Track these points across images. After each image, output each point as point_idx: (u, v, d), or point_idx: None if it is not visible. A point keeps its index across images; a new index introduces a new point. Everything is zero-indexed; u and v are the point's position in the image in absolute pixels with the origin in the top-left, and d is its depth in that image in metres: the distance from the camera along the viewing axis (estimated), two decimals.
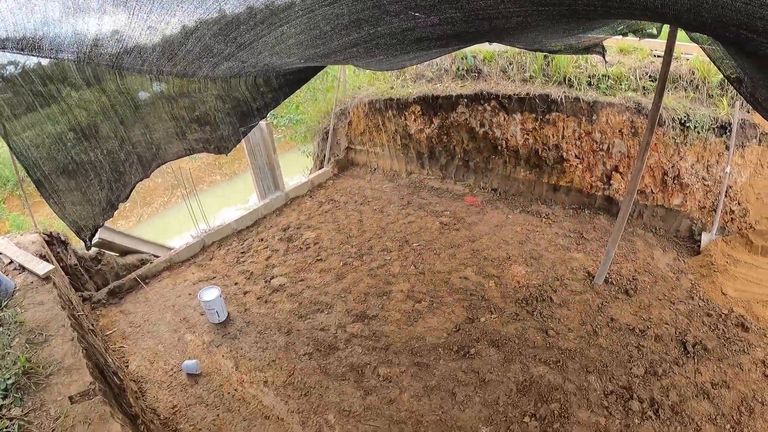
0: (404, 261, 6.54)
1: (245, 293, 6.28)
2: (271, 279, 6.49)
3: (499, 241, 6.85)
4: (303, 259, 6.81)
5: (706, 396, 4.90)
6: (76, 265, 6.15)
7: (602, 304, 5.83)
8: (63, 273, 5.67)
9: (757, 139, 6.84)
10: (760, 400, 4.98)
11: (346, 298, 6.02)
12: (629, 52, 7.76)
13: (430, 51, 4.49)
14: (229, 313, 5.89)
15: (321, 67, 5.33)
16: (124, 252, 6.95)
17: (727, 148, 6.70)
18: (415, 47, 3.97)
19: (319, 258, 6.82)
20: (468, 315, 5.59)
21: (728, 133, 6.67)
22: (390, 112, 8.58)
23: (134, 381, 5.06)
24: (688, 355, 5.32)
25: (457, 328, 5.43)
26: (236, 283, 6.50)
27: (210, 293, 5.65)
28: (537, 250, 6.72)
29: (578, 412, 4.55)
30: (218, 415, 4.67)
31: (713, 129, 6.85)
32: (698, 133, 6.84)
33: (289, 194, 8.53)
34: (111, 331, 5.75)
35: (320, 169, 9.65)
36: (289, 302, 6.02)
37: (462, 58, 8.37)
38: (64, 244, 6.05)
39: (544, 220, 7.46)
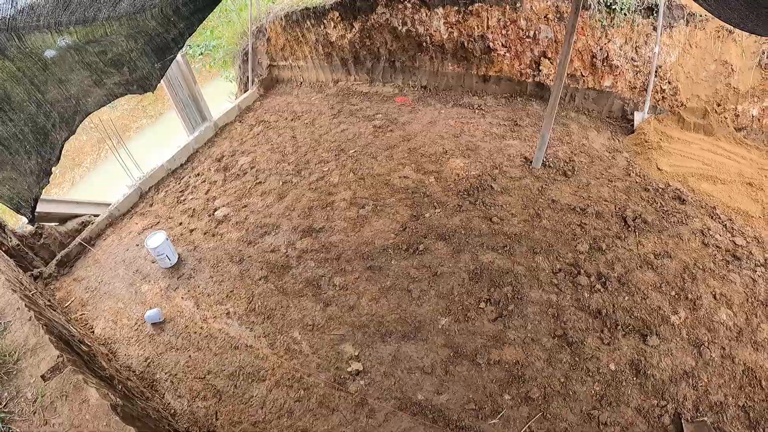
0: (342, 169, 6.61)
1: (191, 231, 6.30)
2: (214, 212, 6.49)
3: (435, 137, 6.96)
4: (242, 186, 6.82)
5: (649, 266, 5.32)
6: (18, 245, 5.94)
7: (542, 187, 6.09)
8: (7, 256, 5.55)
9: (685, 19, 7.09)
10: (701, 267, 5.44)
11: (290, 216, 6.09)
12: None
13: None
14: (179, 255, 5.91)
15: None
16: (64, 219, 6.72)
17: (655, 29, 6.96)
18: None
19: (258, 181, 6.83)
20: (412, 213, 5.76)
21: (655, 15, 6.93)
22: (308, 22, 8.42)
23: (103, 345, 5.10)
24: (629, 229, 5.69)
25: (404, 227, 5.60)
26: (180, 223, 6.49)
27: (156, 239, 5.64)
28: (473, 141, 6.86)
29: (530, 292, 4.88)
30: (190, 356, 4.80)
31: (640, 11, 7.07)
32: (625, 15, 7.04)
33: (218, 123, 8.36)
34: (69, 302, 5.72)
35: (245, 92, 9.50)
36: (236, 231, 6.08)
37: None
38: (1, 227, 5.93)
39: (477, 111, 7.59)
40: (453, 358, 4.44)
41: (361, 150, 6.86)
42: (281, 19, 8.71)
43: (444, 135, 6.93)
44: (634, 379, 4.41)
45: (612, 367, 4.44)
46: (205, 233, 6.23)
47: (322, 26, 8.41)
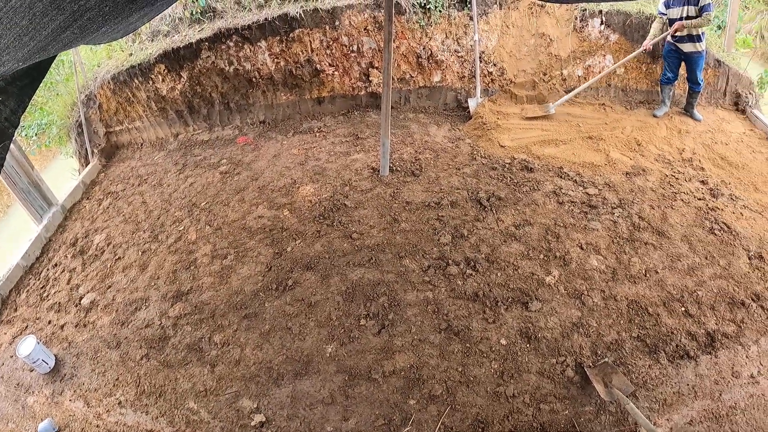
0: (198, 224, 6.64)
1: (62, 327, 6.08)
2: (80, 300, 6.32)
3: (281, 170, 7.13)
4: (102, 266, 6.70)
5: (513, 238, 5.76)
6: None
7: (394, 192, 6.42)
8: None
9: (498, 3, 7.77)
10: (561, 224, 5.97)
11: (156, 285, 6.07)
12: None
13: (155, 4, 4.49)
14: (56, 356, 5.70)
15: (51, 58, 5.15)
16: None
17: (471, 18, 7.56)
18: (134, 6, 3.99)
19: (117, 257, 6.74)
20: (274, 251, 5.89)
21: (469, 6, 7.54)
22: (136, 80, 8.41)
23: None
24: (486, 209, 6.14)
25: (269, 267, 5.72)
26: (50, 322, 6.26)
27: (26, 346, 5.40)
28: (319, 164, 7.10)
29: (405, 296, 5.15)
30: None
31: (454, 5, 7.69)
32: (440, 12, 7.62)
33: (65, 205, 8.07)
34: None
35: (87, 165, 9.25)
36: (106, 315, 5.97)
37: (193, 1, 8.30)
38: None
39: (318, 134, 7.86)
40: (349, 381, 4.60)
41: (212, 200, 6.92)
42: (109, 83, 8.58)
43: (290, 165, 7.13)
44: (528, 345, 4.76)
45: (503, 342, 4.76)
46: (76, 326, 6.05)
47: (151, 82, 8.39)
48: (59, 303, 6.47)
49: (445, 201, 6.27)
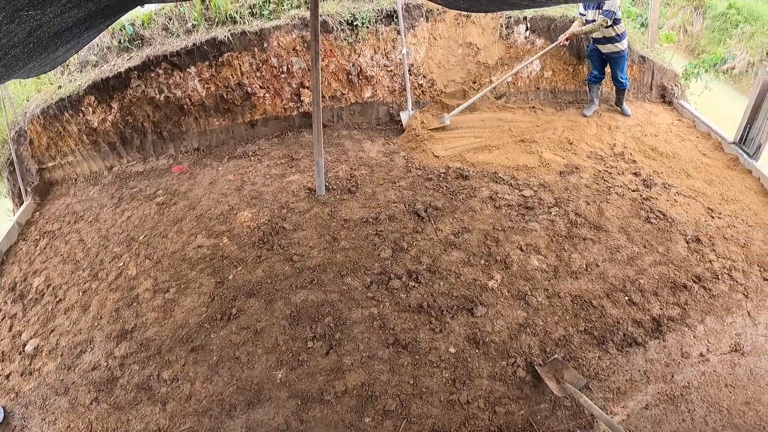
0: (137, 259, 6.60)
1: (7, 377, 5.96)
2: (23, 347, 6.19)
3: (218, 197, 7.14)
4: (44, 310, 6.60)
5: (453, 246, 5.93)
6: None
7: (332, 211, 6.52)
8: None
9: (424, 16, 8.00)
10: (500, 228, 6.18)
11: (100, 325, 6.01)
12: None
13: (81, 36, 4.44)
14: (4, 408, 5.56)
15: None
16: None
17: (399, 32, 7.75)
18: (60, 40, 3.95)
19: (58, 299, 6.65)
20: (216, 280, 5.89)
21: (396, 20, 7.71)
22: (66, 113, 8.32)
23: None
24: (424, 220, 6.31)
25: (212, 297, 5.72)
26: None
27: None
28: (255, 189, 7.13)
29: (350, 314, 5.23)
30: None
31: (381, 20, 7.87)
32: (367, 28, 7.79)
33: (1, 248, 7.97)
34: None
35: (21, 205, 9.03)
36: (52, 360, 5.88)
37: (120, 30, 8.26)
38: None
39: (253, 158, 7.90)
40: (302, 405, 4.65)
41: (150, 233, 6.89)
42: (39, 117, 8.44)
43: (226, 192, 7.15)
44: (477, 351, 4.90)
45: (452, 350, 4.89)
46: (21, 374, 5.94)
47: (81, 114, 8.31)
48: (2, 352, 6.33)
49: (383, 215, 6.40)
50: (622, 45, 7.99)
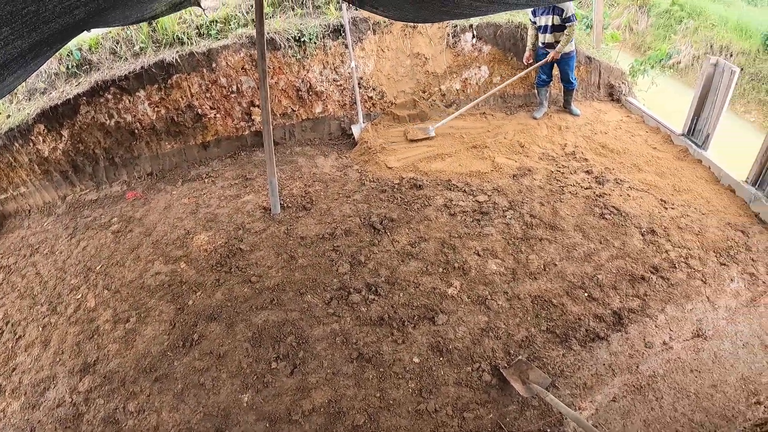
0: (96, 290, 6.53)
1: None
2: None
3: (174, 221, 7.09)
4: (3, 348, 6.48)
5: (410, 257, 6.05)
6: None
7: (288, 229, 6.57)
8: None
9: (371, 29, 8.11)
10: (456, 235, 6.32)
11: (62, 360, 5.92)
12: None
13: (28, 65, 4.26)
14: None
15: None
16: None
17: (347, 46, 7.86)
18: (6, 71, 3.74)
19: (18, 336, 6.54)
20: (176, 306, 5.86)
21: (343, 34, 7.82)
22: (16, 143, 8.20)
23: None
24: (380, 232, 6.41)
25: (173, 324, 5.69)
26: None
27: None
28: (211, 211, 7.11)
29: (312, 332, 5.25)
30: None
31: (329, 35, 7.97)
32: (315, 43, 7.88)
33: None
34: None
35: None
36: (15, 400, 5.76)
37: (68, 55, 8.20)
38: None
39: (207, 180, 7.86)
40: (270, 427, 4.65)
41: (107, 262, 6.83)
42: None
43: (182, 216, 7.12)
44: (441, 359, 4.96)
45: (416, 360, 4.95)
46: None
47: (32, 144, 8.22)
48: None
49: (339, 230, 6.48)
50: (572, 46, 8.28)
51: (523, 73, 8.75)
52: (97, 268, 6.83)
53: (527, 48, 8.65)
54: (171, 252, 6.56)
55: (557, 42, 8.21)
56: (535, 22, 8.31)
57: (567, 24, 7.95)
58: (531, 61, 8.68)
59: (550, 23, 8.08)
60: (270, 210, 6.87)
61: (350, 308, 5.50)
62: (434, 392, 4.70)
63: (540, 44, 8.48)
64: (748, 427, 4.66)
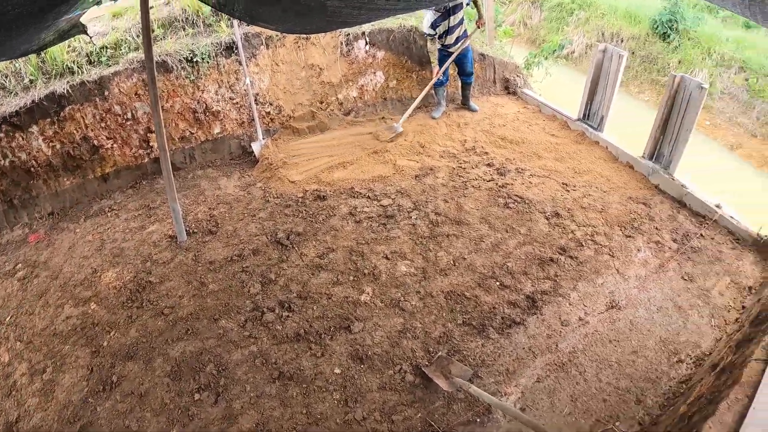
0: (8, 343, 6.20)
1: None
2: None
3: (80, 261, 6.88)
4: None
5: (320, 269, 6.20)
6: None
7: (196, 255, 6.52)
8: None
9: (264, 44, 8.18)
10: (363, 242, 6.59)
11: None
12: (121, 15, 8.36)
13: None
14: None
15: None
16: None
17: (240, 63, 7.87)
18: None
19: None
20: (92, 350, 5.67)
21: (236, 51, 7.82)
22: None
23: None
24: (288, 248, 6.52)
25: (90, 368, 5.48)
26: None
27: None
28: (117, 245, 6.93)
29: (231, 357, 5.22)
30: None
31: (221, 53, 7.99)
32: (208, 62, 7.88)
33: None
34: None
35: None
36: None
37: None
38: None
39: (110, 213, 7.64)
40: None
41: (16, 312, 6.52)
42: None
43: (87, 254, 6.93)
44: (362, 366, 5.05)
45: (337, 371, 5.02)
46: None
47: None
48: None
49: (247, 251, 6.52)
50: (468, 40, 8.76)
51: (435, 78, 9.11)
52: (7, 319, 6.53)
53: (435, 66, 9.10)
54: (80, 293, 6.38)
55: (457, 38, 8.73)
56: (434, 34, 8.66)
57: (467, 5, 8.57)
58: (441, 76, 9.07)
59: (450, 24, 8.52)
60: (176, 238, 6.81)
61: (266, 328, 5.53)
62: (360, 400, 4.77)
63: (443, 46, 8.88)
64: (674, 385, 4.98)
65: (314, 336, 5.41)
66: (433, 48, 8.97)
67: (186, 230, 6.90)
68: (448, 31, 8.61)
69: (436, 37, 8.71)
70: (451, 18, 8.45)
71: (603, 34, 17.33)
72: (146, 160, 8.18)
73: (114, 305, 6.09)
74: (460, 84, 9.66)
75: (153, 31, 7.97)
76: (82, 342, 5.78)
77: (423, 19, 8.69)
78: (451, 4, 8.33)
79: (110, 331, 5.80)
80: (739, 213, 6.87)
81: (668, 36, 16.05)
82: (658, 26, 16.21)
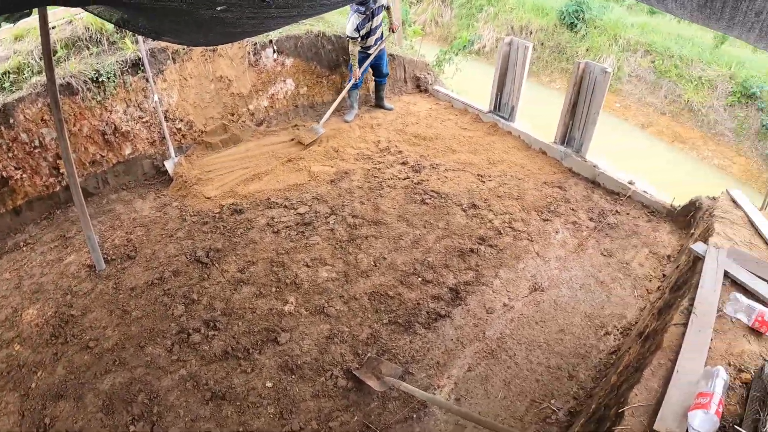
0: None
1: None
2: None
3: None
4: None
5: (242, 283, 6.30)
6: None
7: (116, 283, 6.42)
8: None
9: (171, 59, 8.15)
10: (283, 251, 6.71)
11: None
12: (24, 37, 8.06)
13: None
14: None
15: None
16: None
17: (147, 80, 7.79)
18: None
19: None
20: (20, 394, 5.41)
21: (143, 67, 7.72)
22: None
23: None
24: (208, 265, 6.59)
25: (21, 413, 5.26)
26: None
27: None
28: (35, 281, 6.72)
29: (162, 382, 5.18)
30: None
31: (127, 71, 7.85)
32: (114, 81, 7.75)
33: None
34: None
35: None
36: None
37: None
38: None
39: (25, 248, 7.38)
40: None
41: None
42: None
43: (6, 293, 6.68)
44: (293, 376, 5.12)
45: (269, 384, 5.08)
46: None
47: None
48: None
49: (167, 273, 6.50)
50: (384, 42, 9.22)
51: (355, 80, 9.39)
52: None
53: (355, 68, 9.30)
54: (2, 335, 6.14)
55: (376, 39, 9.17)
56: (357, 37, 8.91)
57: (385, 8, 8.92)
58: (359, 75, 9.34)
59: (373, 26, 8.90)
60: (95, 267, 6.71)
61: (193, 349, 5.54)
62: (295, 411, 4.83)
63: (363, 48, 9.22)
64: (603, 357, 5.34)
65: (242, 352, 5.47)
66: (355, 50, 9.16)
67: (104, 257, 6.80)
68: (371, 33, 8.95)
69: (359, 39, 8.96)
70: (374, 20, 8.81)
71: (512, 28, 18.11)
72: (58, 188, 7.92)
73: (38, 344, 5.92)
74: (373, 86, 9.91)
75: (56, 52, 7.76)
76: (9, 387, 5.56)
77: (347, 22, 8.90)
78: (363, 9, 8.65)
79: (37, 372, 5.63)
80: (654, 187, 7.36)
81: (575, 26, 16.98)
82: (565, 17, 17.08)
